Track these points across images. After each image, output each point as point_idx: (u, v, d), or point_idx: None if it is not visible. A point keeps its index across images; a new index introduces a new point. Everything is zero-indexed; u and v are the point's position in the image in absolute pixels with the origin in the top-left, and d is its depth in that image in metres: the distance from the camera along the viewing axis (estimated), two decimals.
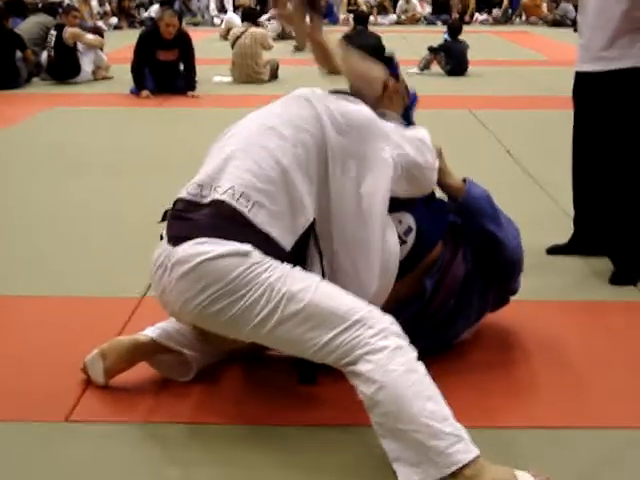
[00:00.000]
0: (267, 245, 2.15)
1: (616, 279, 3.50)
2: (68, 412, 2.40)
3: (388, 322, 2.10)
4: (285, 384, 2.53)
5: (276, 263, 2.13)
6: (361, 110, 2.42)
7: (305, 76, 10.12)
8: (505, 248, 2.62)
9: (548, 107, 7.71)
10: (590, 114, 3.59)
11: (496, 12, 21.03)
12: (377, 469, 2.11)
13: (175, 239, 2.20)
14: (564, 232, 3.86)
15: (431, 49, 10.55)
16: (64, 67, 9.50)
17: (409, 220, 2.50)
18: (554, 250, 3.81)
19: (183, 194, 2.30)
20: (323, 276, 2.24)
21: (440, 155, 2.63)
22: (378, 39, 2.77)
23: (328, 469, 2.14)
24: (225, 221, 2.16)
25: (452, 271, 2.55)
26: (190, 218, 2.22)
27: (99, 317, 3.03)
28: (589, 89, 3.56)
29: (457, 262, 2.56)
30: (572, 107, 3.74)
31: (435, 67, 10.57)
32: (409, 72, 10.65)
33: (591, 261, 3.72)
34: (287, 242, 2.20)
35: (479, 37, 15.03)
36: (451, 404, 2.05)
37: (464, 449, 1.99)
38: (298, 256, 2.23)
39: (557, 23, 19.63)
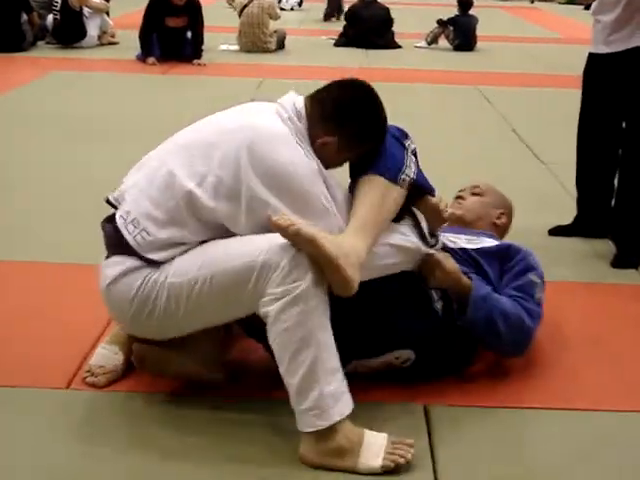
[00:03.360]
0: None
1: (618, 262, 3.50)
2: (69, 379, 2.42)
3: (288, 258, 2.04)
4: None
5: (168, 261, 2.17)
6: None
7: (312, 47, 10.13)
8: (498, 349, 2.56)
9: (556, 85, 7.67)
10: (599, 95, 3.58)
11: None
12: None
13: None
14: (567, 212, 3.86)
15: (440, 22, 10.47)
16: (70, 31, 9.43)
17: (408, 354, 2.41)
18: (556, 231, 3.82)
19: (111, 196, 2.31)
20: None
21: (444, 272, 2.40)
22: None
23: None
24: (119, 240, 2.19)
25: None
26: (106, 230, 2.28)
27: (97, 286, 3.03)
28: (600, 70, 3.55)
29: None
30: (580, 87, 3.72)
31: (443, 41, 10.51)
32: (416, 46, 10.62)
33: (593, 243, 3.73)
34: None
35: (489, 12, 14.93)
36: (440, 382, 2.05)
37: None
38: None
39: (569, 0, 19.47)
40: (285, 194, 2.12)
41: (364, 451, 2.06)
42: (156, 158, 2.28)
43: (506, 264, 2.64)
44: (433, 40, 10.55)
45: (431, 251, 2.39)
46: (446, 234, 2.67)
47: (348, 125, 2.25)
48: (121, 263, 2.19)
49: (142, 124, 5.84)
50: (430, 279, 2.43)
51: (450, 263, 2.44)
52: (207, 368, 2.36)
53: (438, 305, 2.46)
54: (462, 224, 2.88)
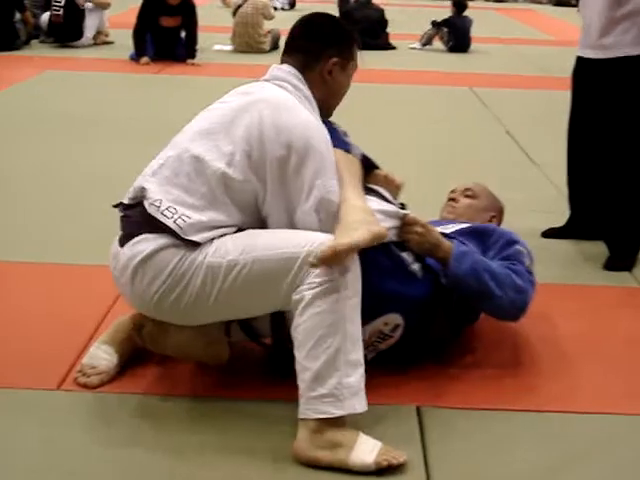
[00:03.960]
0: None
1: (611, 265, 3.50)
2: (60, 380, 2.41)
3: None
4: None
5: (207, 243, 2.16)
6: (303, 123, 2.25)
7: None
8: (497, 311, 2.56)
9: (549, 87, 7.67)
10: (587, 99, 3.57)
11: None
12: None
13: (120, 239, 2.26)
14: (561, 215, 3.86)
15: (434, 23, 10.48)
16: (69, 29, 9.39)
17: (395, 319, 2.41)
18: (549, 233, 3.82)
19: (125, 199, 2.30)
20: None
21: (426, 228, 2.46)
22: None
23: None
24: (151, 222, 2.17)
25: None
26: (128, 216, 2.26)
27: (91, 285, 3.03)
28: (588, 74, 3.54)
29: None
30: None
31: (437, 43, 10.52)
32: (411, 47, 10.62)
33: (586, 245, 3.73)
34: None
35: (483, 14, 14.94)
36: (433, 383, 2.04)
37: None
38: None
39: (561, 2, 19.52)
40: (306, 155, 2.17)
41: (358, 446, 2.06)
42: (173, 149, 2.28)
43: (487, 241, 2.66)
44: (427, 41, 10.56)
45: (406, 211, 2.47)
46: None
47: (330, 39, 2.39)
48: (156, 240, 2.15)
49: (136, 123, 5.83)
50: (411, 240, 2.45)
51: (426, 222, 2.49)
52: (210, 342, 2.33)
53: (415, 267, 2.46)
54: None
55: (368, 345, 2.38)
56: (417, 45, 10.62)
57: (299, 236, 2.16)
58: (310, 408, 2.07)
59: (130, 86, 7.55)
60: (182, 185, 2.19)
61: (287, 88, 2.31)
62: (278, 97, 2.28)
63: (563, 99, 3.69)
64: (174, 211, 2.15)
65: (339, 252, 2.06)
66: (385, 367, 2.44)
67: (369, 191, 2.49)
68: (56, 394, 2.35)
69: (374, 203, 2.40)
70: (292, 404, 2.16)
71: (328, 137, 2.27)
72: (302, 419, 2.09)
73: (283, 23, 11.76)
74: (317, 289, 2.07)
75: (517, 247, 2.63)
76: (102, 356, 2.42)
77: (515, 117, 6.54)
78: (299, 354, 2.09)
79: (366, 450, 2.06)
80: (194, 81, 7.80)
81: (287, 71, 2.36)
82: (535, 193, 4.46)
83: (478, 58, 10.04)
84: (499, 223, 3.02)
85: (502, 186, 2.83)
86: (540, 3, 19.95)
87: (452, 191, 3.08)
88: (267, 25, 9.85)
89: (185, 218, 2.14)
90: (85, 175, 4.50)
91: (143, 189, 2.22)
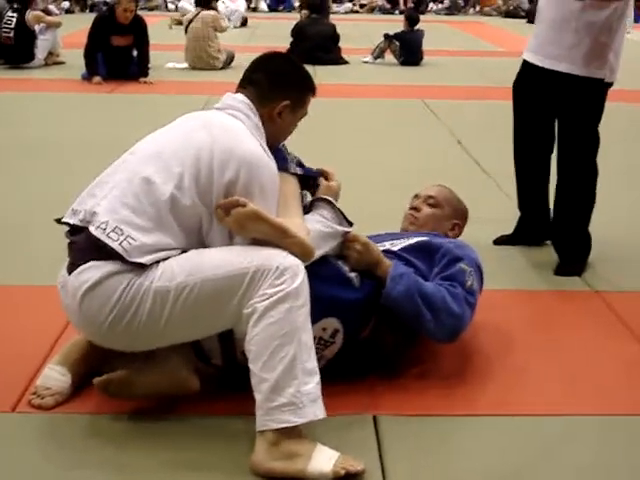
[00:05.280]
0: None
1: (561, 270, 3.56)
2: (14, 403, 2.38)
3: (279, 262, 2.13)
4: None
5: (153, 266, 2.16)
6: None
7: None
8: (428, 334, 2.55)
9: (499, 98, 7.74)
10: (530, 103, 3.59)
11: (447, 2, 21.17)
12: None
13: (68, 267, 2.26)
14: (512, 222, 3.92)
15: (386, 36, 10.58)
16: (21, 51, 9.32)
17: (333, 324, 2.42)
18: (500, 240, 3.87)
19: (67, 217, 2.29)
20: None
21: (366, 246, 2.51)
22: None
23: None
24: (96, 247, 2.16)
25: None
26: (74, 242, 2.26)
27: (43, 306, 2.99)
28: (532, 80, 3.55)
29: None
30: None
31: (389, 56, 10.61)
32: (364, 61, 10.71)
33: (536, 251, 3.80)
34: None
35: (433, 27, 15.10)
36: (389, 392, 2.05)
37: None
38: None
39: (511, 14, 19.82)
40: (250, 184, 2.21)
41: (316, 456, 2.07)
42: (123, 171, 2.28)
43: (434, 257, 2.67)
44: (379, 54, 10.65)
45: (348, 229, 2.51)
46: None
47: (288, 83, 2.44)
48: (101, 267, 2.16)
49: (89, 143, 5.80)
50: (350, 257, 2.49)
51: (367, 240, 2.53)
52: (178, 379, 2.32)
53: (352, 275, 2.49)
54: None
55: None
56: (369, 59, 10.71)
57: (246, 251, 2.18)
58: (270, 419, 2.07)
59: (83, 106, 7.50)
60: (130, 205, 2.19)
61: (239, 117, 2.35)
62: (230, 124, 2.32)
63: (512, 108, 3.75)
64: (120, 232, 2.15)
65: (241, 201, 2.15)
66: (339, 377, 2.46)
67: (321, 202, 2.51)
68: (11, 417, 2.33)
69: (317, 224, 2.42)
70: (246, 418, 2.17)
71: (275, 169, 2.30)
72: (260, 431, 2.09)
73: (234, 39, 11.84)
74: (269, 300, 2.09)
75: (460, 266, 2.61)
76: (56, 377, 2.40)
77: (466, 127, 6.63)
78: (254, 366, 2.10)
79: (324, 460, 2.07)
80: (147, 99, 7.78)
81: (240, 100, 2.40)
82: (487, 202, 4.51)
83: (429, 70, 10.15)
84: (462, 228, 3.05)
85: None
86: (490, 15, 20.24)
87: (415, 196, 3.08)
88: (221, 40, 9.88)
89: (131, 240, 2.14)
90: (36, 195, 4.46)
91: (93, 213, 2.22)
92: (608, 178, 3.64)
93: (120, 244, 2.14)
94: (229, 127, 2.31)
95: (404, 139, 6.31)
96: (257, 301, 2.10)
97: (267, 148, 2.35)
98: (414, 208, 3.02)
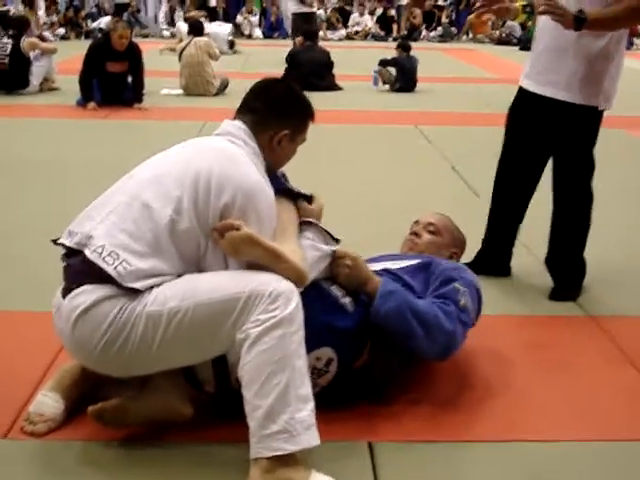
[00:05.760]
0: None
1: (556, 295, 3.56)
2: (6, 429, 2.36)
3: (272, 287, 2.12)
4: None
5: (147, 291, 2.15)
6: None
7: None
8: (420, 351, 2.53)
9: (494, 124, 7.77)
10: (524, 129, 3.59)
11: (440, 30, 21.35)
12: None
13: (62, 290, 2.25)
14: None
15: (383, 62, 10.64)
16: (16, 78, 9.35)
17: (327, 353, 2.41)
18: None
19: (64, 238, 2.29)
20: None
21: (355, 262, 2.52)
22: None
23: None
24: (91, 271, 2.16)
25: None
26: (69, 265, 2.26)
27: (35, 331, 2.97)
28: (528, 107, 3.56)
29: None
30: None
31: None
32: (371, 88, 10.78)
33: (530, 276, 3.79)
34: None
35: (426, 54, 15.20)
36: (384, 418, 2.01)
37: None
38: None
39: (503, 41, 19.99)
40: (246, 210, 2.21)
41: None
42: (122, 194, 2.28)
43: (431, 276, 2.68)
44: (377, 81, 10.72)
45: (335, 247, 2.53)
46: (370, 264, 2.69)
47: (288, 112, 2.45)
48: (95, 291, 2.15)
49: (84, 168, 5.80)
50: (340, 273, 2.49)
51: (357, 256, 2.53)
52: (172, 406, 2.31)
53: (345, 300, 2.49)
54: None
55: None
56: (372, 86, 10.79)
57: (240, 276, 2.18)
58: (263, 446, 2.05)
59: (78, 132, 7.50)
60: (128, 231, 2.19)
61: (237, 143, 2.36)
62: (229, 150, 2.33)
63: None
64: (116, 257, 2.14)
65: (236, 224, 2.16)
66: (334, 403, 2.44)
67: (308, 225, 2.52)
68: (2, 443, 2.30)
69: (306, 249, 2.42)
70: (239, 445, 2.15)
71: (272, 196, 2.31)
72: (254, 459, 2.07)
73: (228, 66, 11.89)
74: (262, 326, 2.08)
75: (454, 285, 2.61)
76: (49, 403, 2.38)
77: (460, 153, 6.64)
78: (248, 393, 2.09)
79: None
80: (142, 125, 7.80)
81: (238, 127, 2.40)
82: (482, 228, 4.51)
83: (423, 97, 10.19)
84: (459, 257, 3.06)
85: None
86: (482, 42, 20.39)
87: (415, 222, 3.09)
88: (215, 67, 9.93)
89: (126, 265, 2.13)
90: (30, 219, 4.45)
91: (90, 237, 2.21)
92: (602, 202, 3.64)
93: (115, 268, 2.13)
94: (228, 153, 2.32)
95: (398, 165, 6.33)
96: (250, 327, 2.09)
97: (265, 174, 2.35)
98: (414, 233, 3.03)
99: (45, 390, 2.44)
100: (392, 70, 10.54)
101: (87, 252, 2.18)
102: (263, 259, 2.20)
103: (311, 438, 2.08)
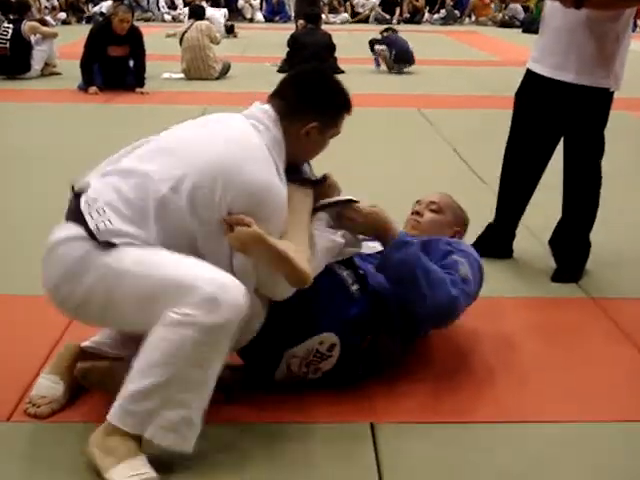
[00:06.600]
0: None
1: (559, 277, 3.56)
2: (10, 412, 2.37)
3: (211, 289, 2.05)
4: None
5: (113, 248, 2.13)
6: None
7: (255, 73, 10.16)
8: (422, 311, 2.52)
9: (495, 106, 7.78)
10: (533, 117, 3.58)
11: (443, 12, 21.24)
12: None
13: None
14: None
15: (372, 41, 10.79)
16: (17, 62, 9.33)
17: (331, 338, 2.41)
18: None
19: (77, 185, 2.30)
20: None
21: (378, 216, 2.54)
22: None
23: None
24: (80, 215, 2.18)
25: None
26: (70, 202, 2.27)
27: (37, 316, 2.97)
28: (539, 91, 3.54)
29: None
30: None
31: (384, 65, 10.65)
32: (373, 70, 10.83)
33: (530, 258, 3.79)
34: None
35: (429, 37, 15.17)
36: (385, 400, 2.01)
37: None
38: None
39: (506, 24, 19.89)
40: (254, 212, 2.17)
41: (125, 464, 2.05)
42: (131, 158, 2.28)
43: (430, 253, 2.66)
44: (372, 50, 10.83)
45: (349, 197, 2.52)
46: (367, 243, 2.71)
47: (319, 104, 2.37)
48: (71, 228, 2.17)
49: (85, 153, 5.77)
50: (354, 224, 2.50)
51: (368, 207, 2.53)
52: None
53: (354, 288, 2.48)
54: None
55: (309, 363, 2.42)
56: (374, 68, 10.84)
57: (194, 266, 2.12)
58: (117, 413, 2.06)
59: (80, 116, 7.50)
60: (122, 192, 2.17)
61: (259, 129, 2.28)
62: (246, 141, 2.25)
63: (507, 117, 3.75)
64: (102, 212, 2.14)
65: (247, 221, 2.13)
66: (336, 386, 2.46)
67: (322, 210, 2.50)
68: (6, 426, 2.32)
69: (319, 238, 2.40)
70: (235, 426, 2.14)
71: (283, 194, 2.24)
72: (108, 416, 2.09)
73: (230, 49, 11.85)
74: (177, 317, 2.03)
75: (454, 257, 2.64)
76: (50, 385, 2.40)
77: (462, 136, 6.63)
78: (137, 362, 2.07)
79: (125, 472, 2.04)
80: (144, 109, 7.78)
81: (265, 111, 2.34)
82: (483, 209, 4.50)
83: (425, 80, 10.16)
84: (462, 235, 3.05)
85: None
86: (485, 25, 20.30)
87: (417, 202, 3.09)
88: (217, 51, 9.91)
89: (108, 224, 2.13)
90: (32, 204, 4.45)
91: (88, 184, 2.23)
92: (605, 184, 3.64)
93: (96, 224, 2.13)
94: (243, 144, 2.24)
95: (400, 147, 6.32)
96: (173, 312, 2.04)
97: (282, 165, 2.29)
98: (416, 213, 3.03)
99: (45, 373, 2.45)
100: (384, 47, 10.60)
101: (82, 199, 2.19)
102: (268, 259, 2.18)
103: (161, 437, 2.05)
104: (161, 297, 2.07)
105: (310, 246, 2.34)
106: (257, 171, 2.19)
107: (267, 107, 2.36)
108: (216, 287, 2.06)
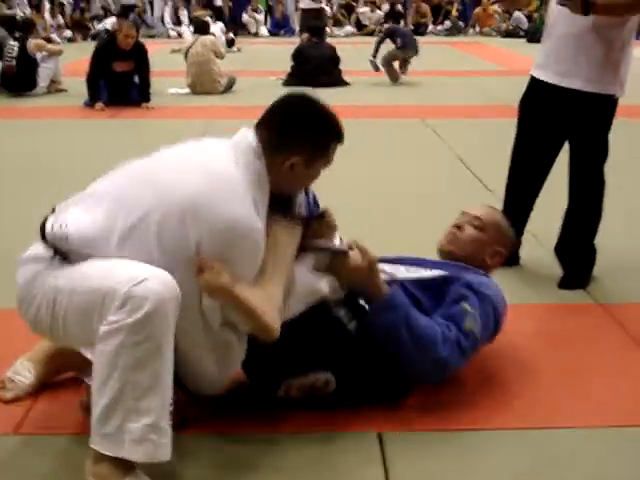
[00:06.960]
0: None
1: (565, 283, 3.55)
2: (17, 424, 2.37)
3: (126, 289, 1.99)
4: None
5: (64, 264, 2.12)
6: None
7: (260, 87, 10.20)
8: (411, 366, 2.42)
9: (500, 116, 7.77)
10: (538, 124, 3.57)
11: (448, 24, 21.30)
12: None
13: None
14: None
15: (379, 41, 10.99)
16: (23, 79, 9.40)
17: (325, 376, 2.38)
18: None
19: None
20: None
21: (372, 266, 2.42)
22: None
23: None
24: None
25: None
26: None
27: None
28: (543, 98, 3.54)
29: None
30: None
31: (386, 78, 10.67)
32: (369, 59, 10.90)
33: (537, 265, 3.78)
34: None
35: (434, 48, 15.20)
36: (392, 408, 1.99)
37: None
38: None
39: (510, 34, 19.91)
40: (224, 250, 2.08)
41: None
42: (106, 183, 2.26)
43: (445, 295, 2.55)
44: (376, 50, 10.87)
45: (343, 247, 2.41)
46: (384, 265, 2.59)
47: (304, 139, 2.23)
48: (36, 248, 2.18)
49: (91, 169, 5.74)
50: (339, 276, 2.40)
51: (358, 260, 2.39)
52: None
53: (351, 326, 2.42)
54: (448, 258, 2.78)
55: (306, 392, 2.41)
56: (370, 58, 10.95)
57: (113, 269, 2.05)
58: (95, 439, 2.03)
59: (86, 132, 7.52)
60: (90, 213, 2.13)
61: (238, 163, 2.16)
62: (223, 175, 2.14)
63: (512, 127, 3.75)
64: (64, 226, 2.12)
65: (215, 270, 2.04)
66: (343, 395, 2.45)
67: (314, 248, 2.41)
68: (13, 438, 2.31)
69: (300, 281, 2.33)
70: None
71: (258, 234, 2.12)
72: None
73: (234, 64, 11.89)
74: (107, 328, 1.99)
75: (462, 306, 2.48)
76: (21, 372, 2.50)
77: (468, 146, 6.63)
78: (92, 384, 2.06)
79: None
80: (149, 124, 7.81)
81: (249, 142, 2.22)
82: None
83: (430, 91, 10.18)
84: (503, 257, 2.87)
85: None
86: (490, 35, 20.33)
87: (462, 213, 2.90)
88: (222, 66, 9.95)
89: (65, 229, 2.10)
90: (37, 219, 4.45)
91: (62, 214, 2.19)
92: (609, 190, 3.63)
93: (52, 228, 2.13)
94: (219, 178, 2.12)
95: (405, 157, 6.32)
96: (103, 325, 2.00)
97: (264, 200, 2.18)
98: (458, 226, 2.83)
99: (22, 358, 2.55)
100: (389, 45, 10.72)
101: (50, 220, 2.17)
102: (234, 309, 2.13)
103: (135, 452, 2.00)
104: (94, 310, 2.03)
105: (287, 290, 2.25)
106: (229, 208, 2.07)
107: (251, 136, 2.23)
108: (131, 284, 1.97)
